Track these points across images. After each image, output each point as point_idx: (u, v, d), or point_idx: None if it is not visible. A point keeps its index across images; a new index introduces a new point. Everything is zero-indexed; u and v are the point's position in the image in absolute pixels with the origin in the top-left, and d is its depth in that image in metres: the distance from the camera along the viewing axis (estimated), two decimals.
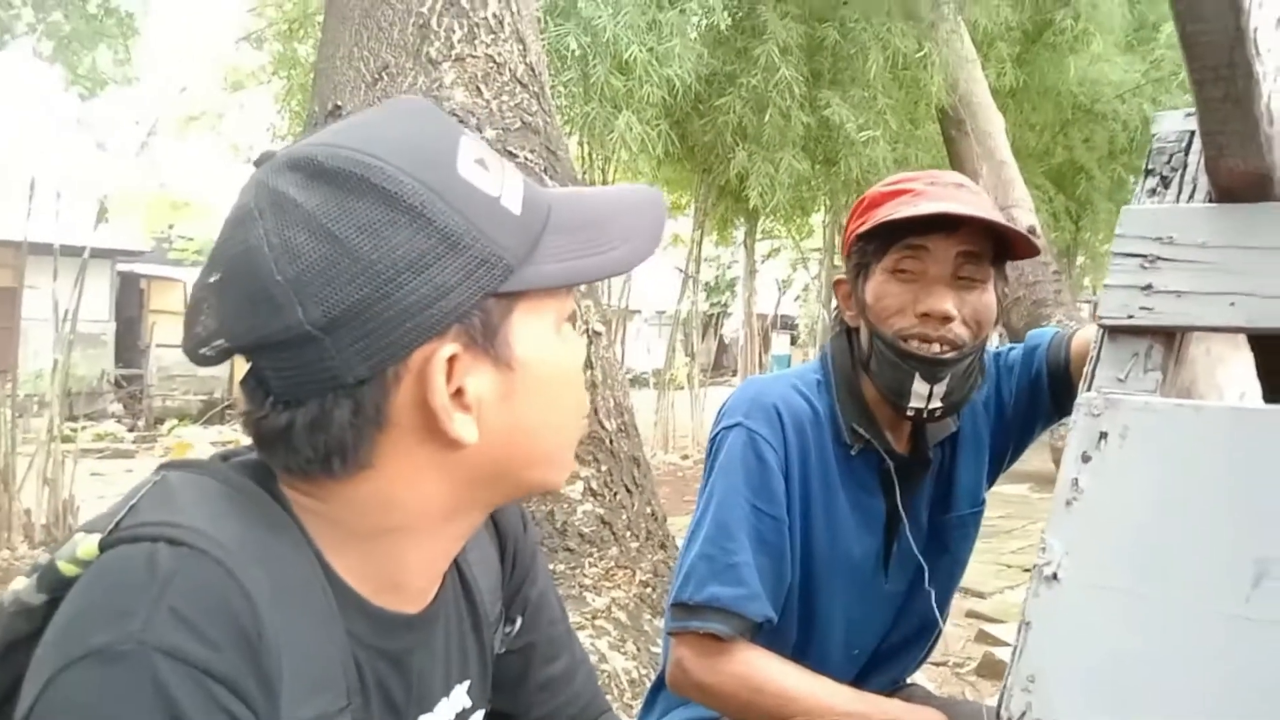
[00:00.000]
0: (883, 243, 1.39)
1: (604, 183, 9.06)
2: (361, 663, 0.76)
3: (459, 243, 0.70)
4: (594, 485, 2.72)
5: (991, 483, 1.60)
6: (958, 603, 4.07)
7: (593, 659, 2.29)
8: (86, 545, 0.68)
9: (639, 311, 21.25)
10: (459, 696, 0.89)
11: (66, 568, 0.68)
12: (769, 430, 1.40)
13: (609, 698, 2.18)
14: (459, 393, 0.73)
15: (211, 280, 0.71)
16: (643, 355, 19.34)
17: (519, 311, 0.75)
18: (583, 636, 2.33)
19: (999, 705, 1.04)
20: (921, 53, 7.47)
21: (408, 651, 0.81)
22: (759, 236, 13.85)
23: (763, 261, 16.51)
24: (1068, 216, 11.94)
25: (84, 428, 10.08)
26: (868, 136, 7.55)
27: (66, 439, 5.92)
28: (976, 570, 4.39)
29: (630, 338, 16.43)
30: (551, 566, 2.50)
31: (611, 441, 2.85)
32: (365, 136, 0.71)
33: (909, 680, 1.66)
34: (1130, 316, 1.06)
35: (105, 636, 0.61)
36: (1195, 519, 0.96)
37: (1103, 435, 1.03)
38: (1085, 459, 1.04)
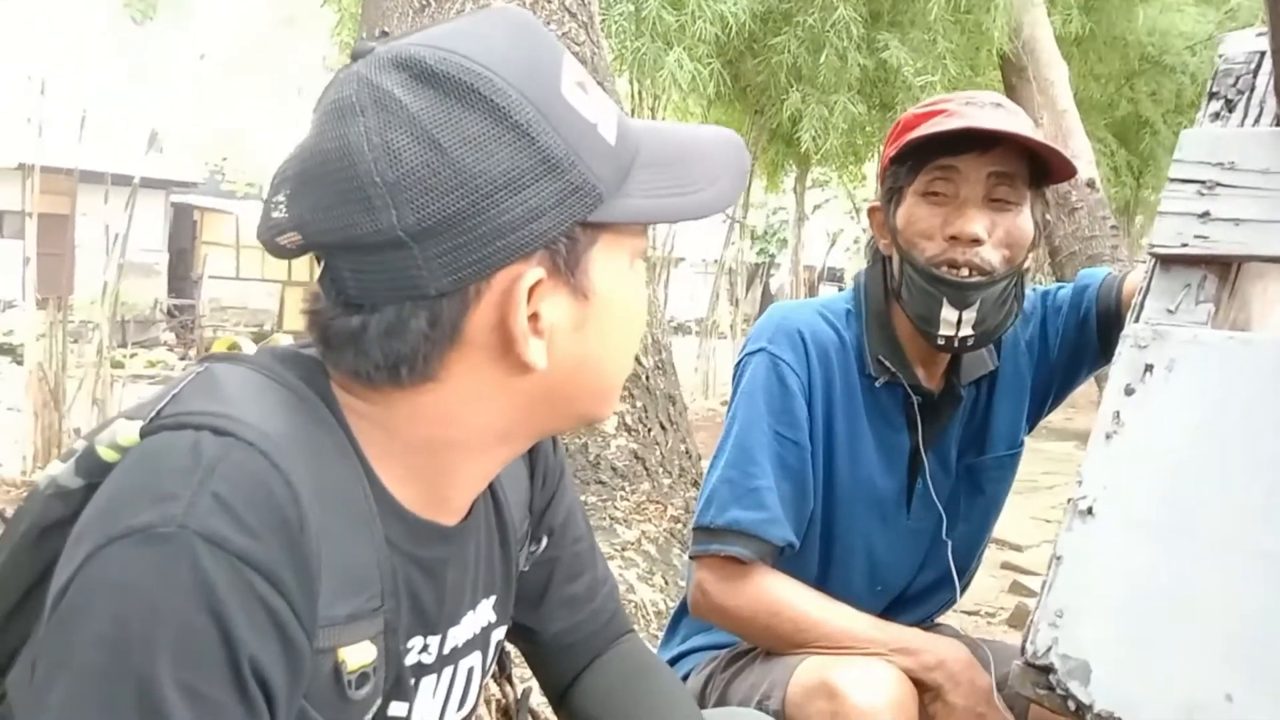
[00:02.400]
0: (914, 165, 1.35)
1: None
2: (396, 568, 0.76)
3: (558, 166, 0.69)
4: (628, 420, 2.71)
5: (1032, 426, 1.56)
6: (994, 554, 4.04)
7: (621, 590, 2.30)
8: (127, 431, 0.68)
9: (684, 259, 21.14)
10: (484, 611, 0.89)
11: (106, 453, 0.68)
12: (793, 355, 1.38)
13: (635, 628, 2.19)
14: (534, 317, 0.72)
15: (297, 170, 0.70)
16: (687, 303, 19.28)
17: (601, 243, 0.74)
18: (612, 567, 2.33)
19: (1024, 640, 1.02)
20: None
21: (442, 562, 0.81)
22: (809, 185, 13.65)
23: (813, 211, 16.28)
24: (1129, 172, 11.61)
25: (135, 355, 10.29)
26: (925, 81, 7.36)
27: (116, 363, 6.05)
28: (1015, 523, 4.35)
29: (675, 285, 16.36)
30: (583, 499, 2.51)
31: (648, 378, 2.83)
32: (473, 44, 0.69)
33: (937, 621, 1.64)
34: (1184, 245, 1.02)
35: (147, 517, 0.61)
36: (1238, 454, 0.92)
37: (1148, 368, 0.99)
38: (1128, 392, 1.01)
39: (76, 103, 5.77)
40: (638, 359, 2.84)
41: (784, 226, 20.97)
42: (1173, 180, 1.04)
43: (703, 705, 1.42)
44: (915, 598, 1.54)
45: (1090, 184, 6.81)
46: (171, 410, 0.68)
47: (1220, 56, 1.08)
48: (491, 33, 0.71)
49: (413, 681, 0.81)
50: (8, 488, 4.96)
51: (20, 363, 6.10)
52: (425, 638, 0.81)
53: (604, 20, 6.29)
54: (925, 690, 1.29)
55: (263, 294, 18.40)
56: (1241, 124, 1.03)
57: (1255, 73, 1.05)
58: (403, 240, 0.67)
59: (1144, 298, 1.04)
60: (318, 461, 0.70)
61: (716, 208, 0.78)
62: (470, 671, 0.88)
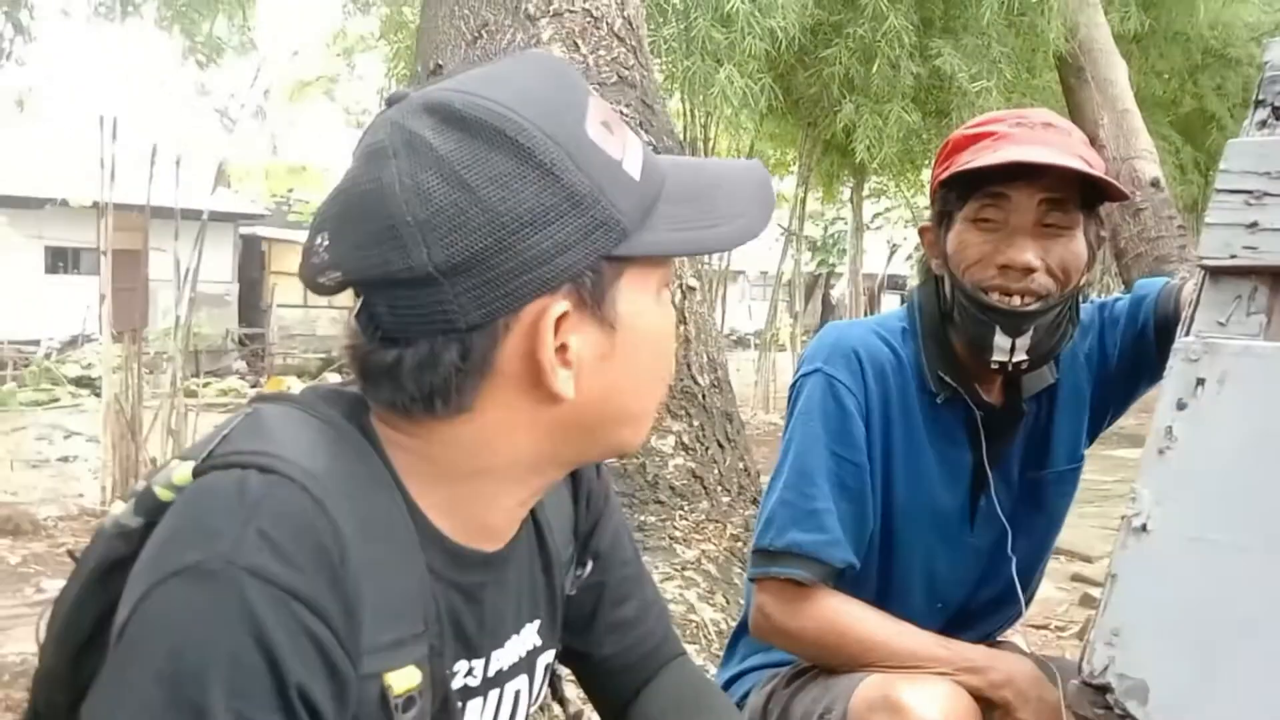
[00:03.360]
0: (964, 191, 1.34)
1: (705, 139, 8.97)
2: (438, 595, 0.78)
3: (582, 202, 0.72)
4: (685, 440, 2.72)
5: (1093, 439, 1.54)
6: (1063, 566, 3.96)
7: (681, 609, 2.31)
8: (181, 472, 0.72)
9: (743, 272, 21.09)
10: (529, 635, 0.91)
11: (163, 493, 0.72)
12: (848, 376, 1.38)
13: (696, 647, 2.20)
14: (562, 349, 0.74)
15: (335, 211, 0.73)
16: (746, 317, 19.22)
17: (627, 276, 0.76)
18: (671, 587, 2.35)
19: (1080, 660, 1.01)
20: None
21: (482, 588, 0.83)
22: (867, 194, 13.55)
23: (872, 221, 16.14)
24: (1196, 169, 11.34)
25: (208, 384, 10.57)
26: (980, 87, 7.27)
27: (190, 393, 6.22)
28: (1084, 534, 4.26)
29: (734, 299, 16.32)
30: (641, 518, 2.52)
31: (704, 397, 2.84)
32: (501, 87, 0.72)
33: (1000, 638, 1.63)
34: (1233, 256, 1.00)
35: (196, 555, 0.65)
36: None
37: (1200, 381, 0.98)
38: (1181, 406, 0.99)
39: (146, 141, 5.96)
40: (693, 377, 2.85)
41: (844, 236, 20.82)
42: (1219, 191, 1.02)
43: None
44: (976, 614, 1.53)
45: (1155, 183, 6.65)
46: (221, 450, 0.72)
47: (1266, 63, 1.07)
48: (518, 77, 0.75)
49: (460, 705, 0.83)
50: (88, 518, 5.12)
51: (99, 395, 6.31)
52: (470, 661, 0.84)
53: (653, 41, 6.33)
54: (993, 708, 1.29)
55: (329, 321, 18.78)
56: None
57: None
58: (434, 276, 0.70)
59: (1194, 310, 1.03)
60: (360, 494, 0.73)
61: (740, 240, 0.80)
62: (517, 695, 0.90)
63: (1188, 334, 1.02)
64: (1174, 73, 9.91)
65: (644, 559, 2.41)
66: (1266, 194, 0.99)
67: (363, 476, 0.74)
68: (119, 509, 0.76)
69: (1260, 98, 1.04)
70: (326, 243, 0.73)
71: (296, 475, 0.69)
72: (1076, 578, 3.90)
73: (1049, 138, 1.32)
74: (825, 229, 23.09)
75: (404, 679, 0.74)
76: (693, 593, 2.36)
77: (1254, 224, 0.99)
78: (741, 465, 2.85)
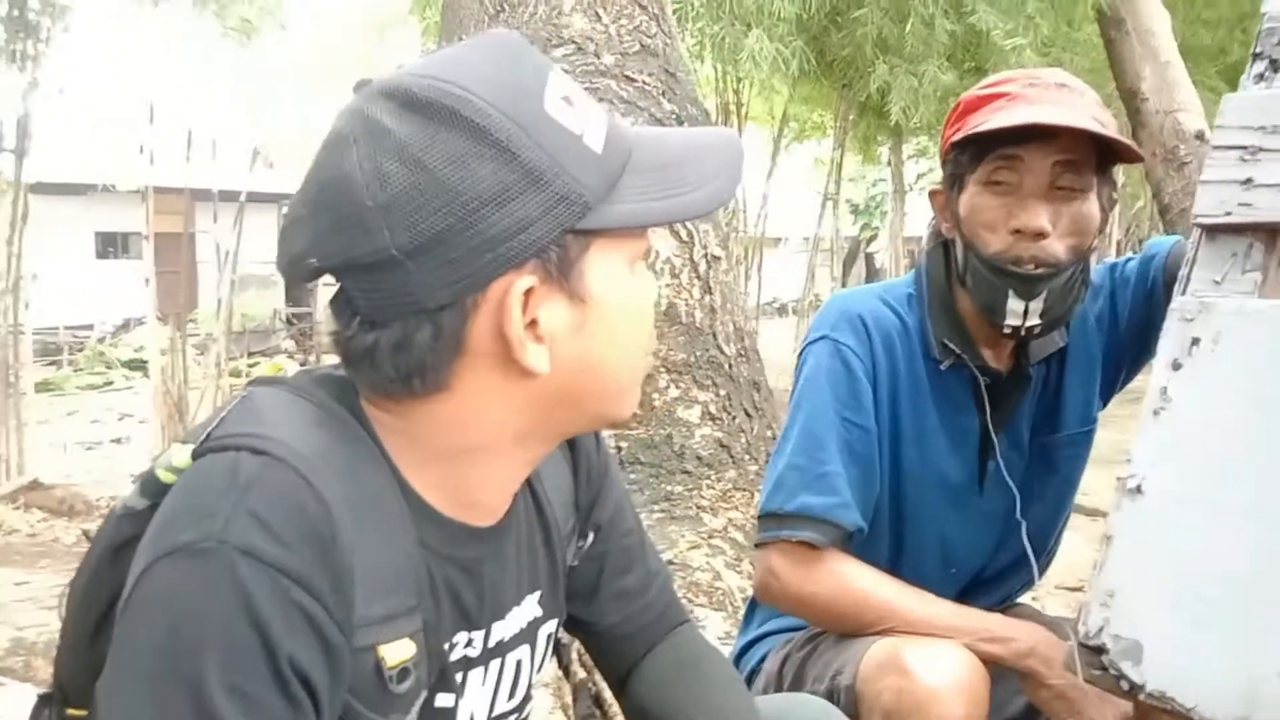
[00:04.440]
0: (976, 153, 1.33)
1: (739, 104, 8.89)
2: (433, 569, 0.81)
3: (541, 178, 0.73)
4: (712, 409, 2.72)
5: (1106, 401, 1.53)
6: (1096, 526, 3.91)
7: (707, 577, 2.33)
8: (181, 455, 0.75)
9: (783, 239, 20.91)
10: (530, 606, 0.94)
11: (165, 475, 0.75)
12: (855, 342, 1.38)
13: (723, 614, 2.21)
14: (533, 324, 0.76)
15: (305, 200, 0.76)
16: (786, 284, 19.07)
17: (595, 248, 0.77)
18: (698, 555, 2.37)
19: (1077, 622, 1.01)
20: None
21: (479, 561, 0.86)
22: (909, 155, 13.36)
23: (916, 182, 15.91)
24: None
25: (256, 364, 10.75)
26: (1015, 44, 7.11)
27: (235, 373, 6.35)
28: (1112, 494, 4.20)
29: (777, 266, 16.18)
30: (668, 488, 2.54)
31: (731, 366, 2.84)
32: (458, 69, 0.74)
33: (1018, 602, 1.63)
34: (1228, 214, 0.99)
35: (190, 534, 0.68)
36: None
37: (1195, 341, 0.98)
38: (1176, 366, 0.99)
39: (186, 125, 6.04)
40: (719, 347, 2.85)
41: (887, 198, 20.57)
42: (1215, 147, 1.01)
43: (779, 685, 1.44)
44: (992, 579, 1.53)
45: (1199, 136, 6.46)
46: (217, 433, 0.75)
47: (1264, 14, 1.05)
48: (476, 58, 0.76)
49: (459, 675, 0.86)
50: None
51: (150, 377, 6.46)
52: (469, 633, 0.86)
53: (681, 6, 6.27)
54: (1017, 675, 1.30)
55: None
56: None
57: None
58: (398, 259, 0.72)
59: (1190, 269, 1.02)
60: (350, 473, 0.75)
61: (707, 208, 0.81)
62: (519, 664, 0.93)
63: (1184, 293, 1.02)
64: (1221, 21, 9.60)
65: (670, 528, 2.42)
66: (1262, 149, 0.98)
67: (353, 456, 0.77)
68: (127, 492, 0.80)
69: (1258, 50, 1.02)
70: (299, 232, 0.76)
71: (287, 456, 0.72)
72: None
73: (1062, 98, 1.30)
74: (868, 191, 22.80)
75: (398, 651, 0.77)
76: (719, 560, 2.38)
77: (1249, 180, 0.98)
78: (769, 434, 2.85)
